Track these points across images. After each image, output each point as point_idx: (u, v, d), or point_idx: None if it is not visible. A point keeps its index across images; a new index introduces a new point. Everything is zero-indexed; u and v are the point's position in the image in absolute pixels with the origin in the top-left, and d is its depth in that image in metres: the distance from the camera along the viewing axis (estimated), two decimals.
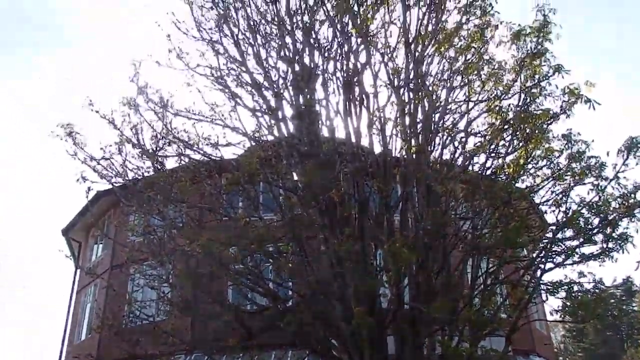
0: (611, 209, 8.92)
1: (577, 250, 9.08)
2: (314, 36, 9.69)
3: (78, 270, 27.58)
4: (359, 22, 9.44)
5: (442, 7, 9.34)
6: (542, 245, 9.39)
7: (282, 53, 9.68)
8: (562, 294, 8.98)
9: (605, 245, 8.89)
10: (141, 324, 9.75)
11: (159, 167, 9.48)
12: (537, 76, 9.15)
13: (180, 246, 9.54)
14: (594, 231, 8.95)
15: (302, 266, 9.18)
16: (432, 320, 8.59)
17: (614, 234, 8.82)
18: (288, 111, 9.75)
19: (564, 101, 9.06)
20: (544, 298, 9.29)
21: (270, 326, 8.96)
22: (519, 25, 9.20)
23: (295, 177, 9.79)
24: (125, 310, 9.70)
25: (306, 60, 9.74)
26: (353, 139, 9.64)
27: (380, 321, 8.87)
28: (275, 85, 9.66)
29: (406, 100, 9.56)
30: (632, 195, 8.89)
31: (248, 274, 9.52)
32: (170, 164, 9.81)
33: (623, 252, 8.81)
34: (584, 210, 9.04)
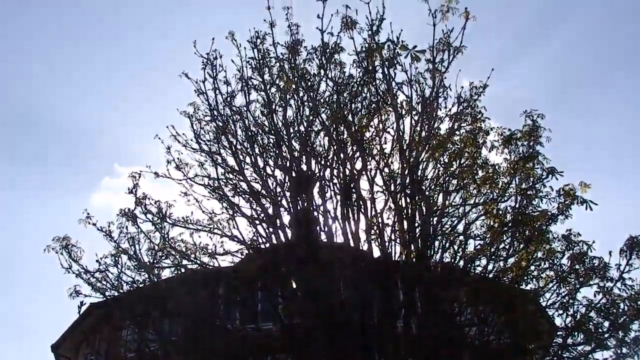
0: (620, 311, 8.70)
1: (590, 356, 8.75)
2: (310, 145, 9.94)
3: None
4: (353, 130, 9.72)
5: (434, 115, 9.66)
6: (553, 351, 9.02)
7: (279, 161, 9.88)
8: None
9: (619, 351, 8.57)
10: None
11: (156, 279, 9.30)
12: (531, 179, 9.28)
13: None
14: (606, 335, 8.66)
15: None
16: None
17: (626, 339, 8.53)
18: (286, 218, 9.76)
19: (560, 202, 9.13)
20: None
21: None
22: (509, 130, 9.51)
23: (294, 284, 9.59)
24: None
25: (303, 167, 9.91)
26: (352, 244, 9.56)
27: None
28: (272, 193, 9.75)
29: (403, 205, 9.60)
30: None
31: None
32: (166, 274, 9.63)
33: (638, 358, 8.49)
34: (592, 314, 8.80)
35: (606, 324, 8.71)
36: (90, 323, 14.75)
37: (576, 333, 8.82)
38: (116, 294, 9.36)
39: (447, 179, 9.73)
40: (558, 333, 9.08)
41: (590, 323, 8.75)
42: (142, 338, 9.36)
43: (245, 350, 8.89)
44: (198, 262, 9.55)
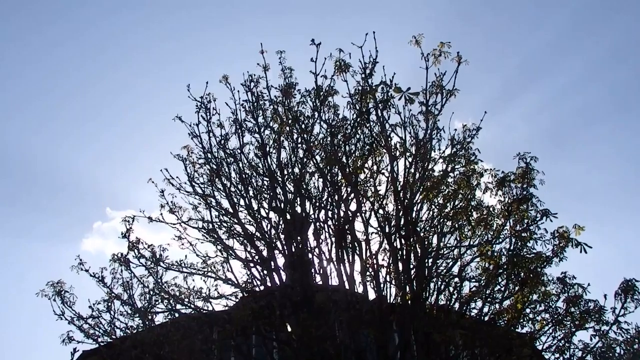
0: (617, 355, 8.68)
1: None
2: (304, 187, 9.92)
3: None
4: (348, 172, 9.72)
5: (428, 157, 9.68)
6: None
7: (273, 204, 9.85)
8: None
9: None
10: None
11: (149, 324, 9.20)
12: (525, 220, 9.29)
13: None
14: None
15: None
16: None
17: None
18: (280, 260, 9.71)
19: (555, 245, 9.14)
20: None
21: None
22: (503, 172, 9.55)
23: (289, 328, 9.51)
24: None
25: (297, 209, 9.88)
26: (347, 286, 9.51)
27: None
28: (267, 235, 9.71)
29: (398, 247, 9.58)
30: (636, 341, 8.68)
31: None
32: (160, 319, 9.53)
33: None
34: (589, 358, 8.77)
35: None
36: None
37: None
38: (109, 340, 9.26)
39: (441, 220, 9.73)
40: None
41: None
42: None
43: None
44: (192, 306, 9.45)
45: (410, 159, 9.76)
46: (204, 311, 9.48)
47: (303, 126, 9.85)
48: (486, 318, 9.35)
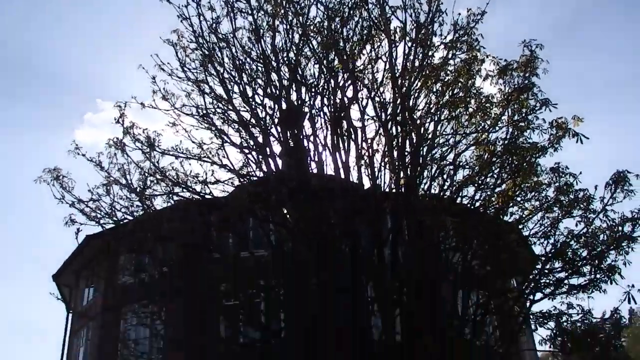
0: (599, 241, 9.01)
1: (566, 281, 9.20)
2: (300, 73, 9.62)
3: (70, 315, 27.47)
4: (345, 58, 9.38)
5: (428, 42, 9.28)
6: (532, 277, 9.47)
7: (268, 90, 9.62)
8: (552, 324, 9.08)
9: (593, 277, 8.99)
10: None
11: (148, 206, 9.44)
12: (524, 110, 9.16)
13: (171, 284, 9.58)
14: (582, 263, 9.05)
15: (293, 300, 9.20)
16: (422, 353, 8.68)
17: (602, 266, 8.92)
18: (276, 148, 9.72)
19: (551, 134, 9.09)
20: (533, 328, 9.36)
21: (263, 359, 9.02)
22: (506, 60, 9.21)
23: (285, 212, 9.78)
24: (119, 348, 9.72)
25: (293, 96, 9.68)
26: (342, 175, 9.62)
27: (371, 353, 8.95)
28: (262, 122, 9.61)
29: (394, 134, 9.54)
30: (620, 228, 8.96)
31: (240, 309, 9.58)
32: (159, 203, 9.77)
33: (611, 284, 8.91)
34: (572, 243, 9.12)
35: (584, 252, 9.09)
36: (89, 253, 15.23)
37: (554, 260, 9.22)
38: (110, 222, 9.56)
39: (439, 108, 9.58)
40: (538, 260, 9.48)
41: (570, 251, 9.11)
42: (139, 264, 9.72)
43: (237, 274, 9.23)
44: (190, 189, 9.63)
45: (409, 44, 9.38)
46: (202, 196, 9.68)
47: (298, 8, 9.31)
48: (477, 204, 9.57)
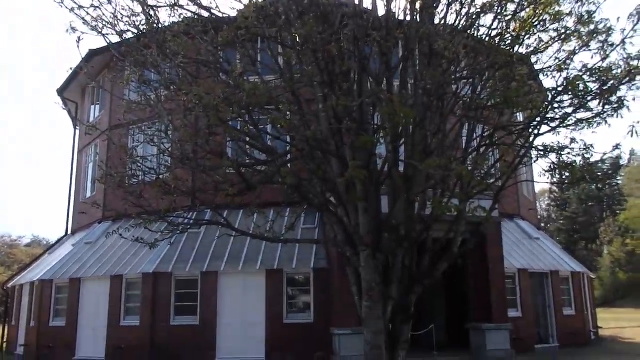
0: (612, 74, 8.84)
1: (573, 115, 9.17)
2: None
3: (77, 132, 27.88)
4: None
5: None
6: (540, 110, 9.42)
7: None
8: (552, 156, 9.18)
9: (601, 109, 8.93)
10: (144, 178, 10.03)
11: (151, 16, 9.11)
12: None
13: (177, 99, 9.55)
14: (592, 97, 8.95)
15: (300, 122, 9.24)
16: (426, 177, 8.90)
17: (611, 99, 8.83)
18: None
19: None
20: (534, 159, 9.48)
21: (269, 179, 9.25)
22: None
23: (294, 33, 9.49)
24: (127, 162, 9.90)
25: None
26: None
27: (376, 178, 9.18)
28: None
29: None
30: (636, 62, 8.76)
31: (246, 128, 9.66)
32: (164, 17, 9.43)
33: (617, 117, 8.87)
34: (585, 76, 8.96)
35: (595, 86, 8.95)
36: (93, 68, 15.02)
37: (564, 93, 9.11)
38: (112, 32, 9.28)
39: None
40: (547, 93, 9.39)
41: (581, 84, 8.97)
42: (144, 79, 9.62)
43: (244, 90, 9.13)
44: (196, 1, 9.27)
45: None
46: (208, 9, 9.34)
47: None
48: (494, 33, 9.29)
